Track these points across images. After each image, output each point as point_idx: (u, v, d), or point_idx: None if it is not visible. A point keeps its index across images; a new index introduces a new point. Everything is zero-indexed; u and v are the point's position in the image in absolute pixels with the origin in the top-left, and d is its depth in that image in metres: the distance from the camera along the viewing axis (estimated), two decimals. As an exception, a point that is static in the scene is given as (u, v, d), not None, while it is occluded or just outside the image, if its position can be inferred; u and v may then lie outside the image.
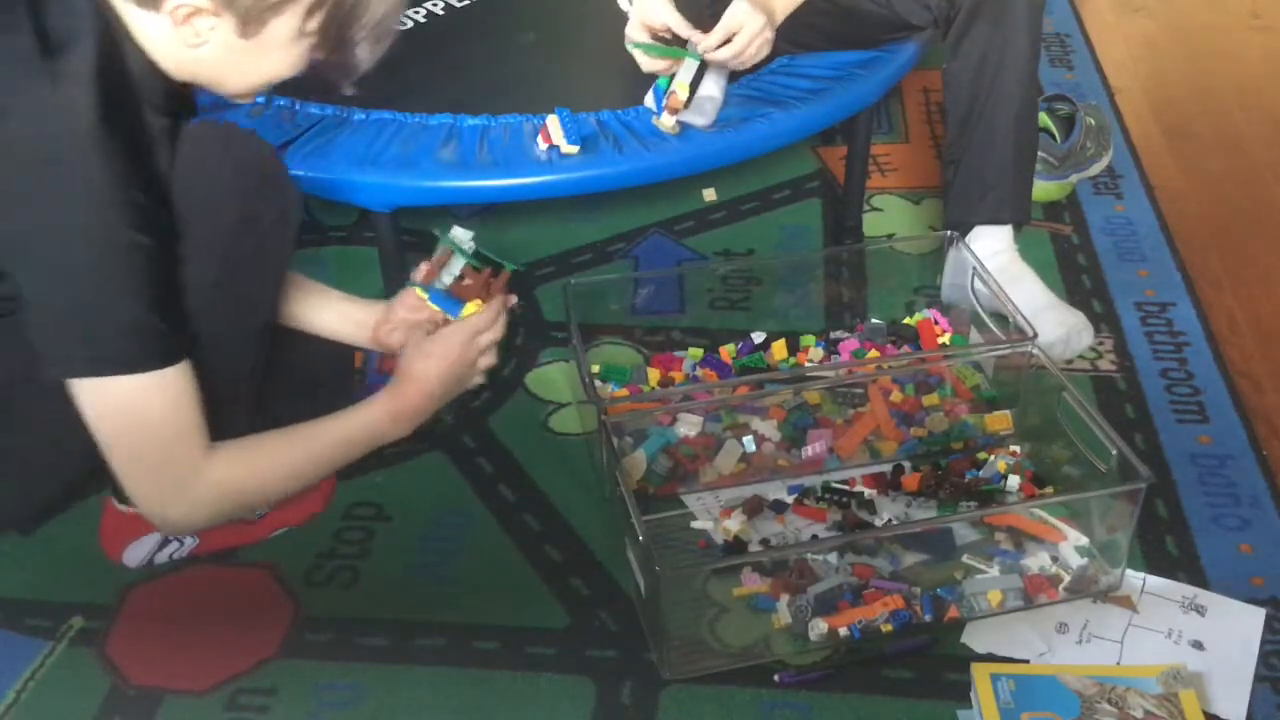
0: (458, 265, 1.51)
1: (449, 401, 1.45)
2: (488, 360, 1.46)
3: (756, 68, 1.83)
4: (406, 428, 1.40)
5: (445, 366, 1.41)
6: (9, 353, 1.23)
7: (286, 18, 1.19)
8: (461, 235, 1.52)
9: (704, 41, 1.72)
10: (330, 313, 1.54)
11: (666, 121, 1.78)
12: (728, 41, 1.72)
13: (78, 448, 1.28)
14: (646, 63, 1.77)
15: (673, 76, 1.77)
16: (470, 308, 1.46)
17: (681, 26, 1.73)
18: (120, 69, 1.18)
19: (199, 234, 1.24)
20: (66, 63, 1.14)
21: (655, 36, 1.76)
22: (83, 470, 1.38)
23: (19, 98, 1.12)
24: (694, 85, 1.77)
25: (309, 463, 1.35)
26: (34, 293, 1.17)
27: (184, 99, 1.26)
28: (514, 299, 1.51)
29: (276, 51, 1.22)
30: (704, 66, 1.77)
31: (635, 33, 1.77)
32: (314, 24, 1.21)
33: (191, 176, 1.25)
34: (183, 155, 1.25)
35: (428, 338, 1.43)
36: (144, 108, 1.21)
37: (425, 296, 1.48)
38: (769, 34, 1.74)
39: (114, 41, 1.18)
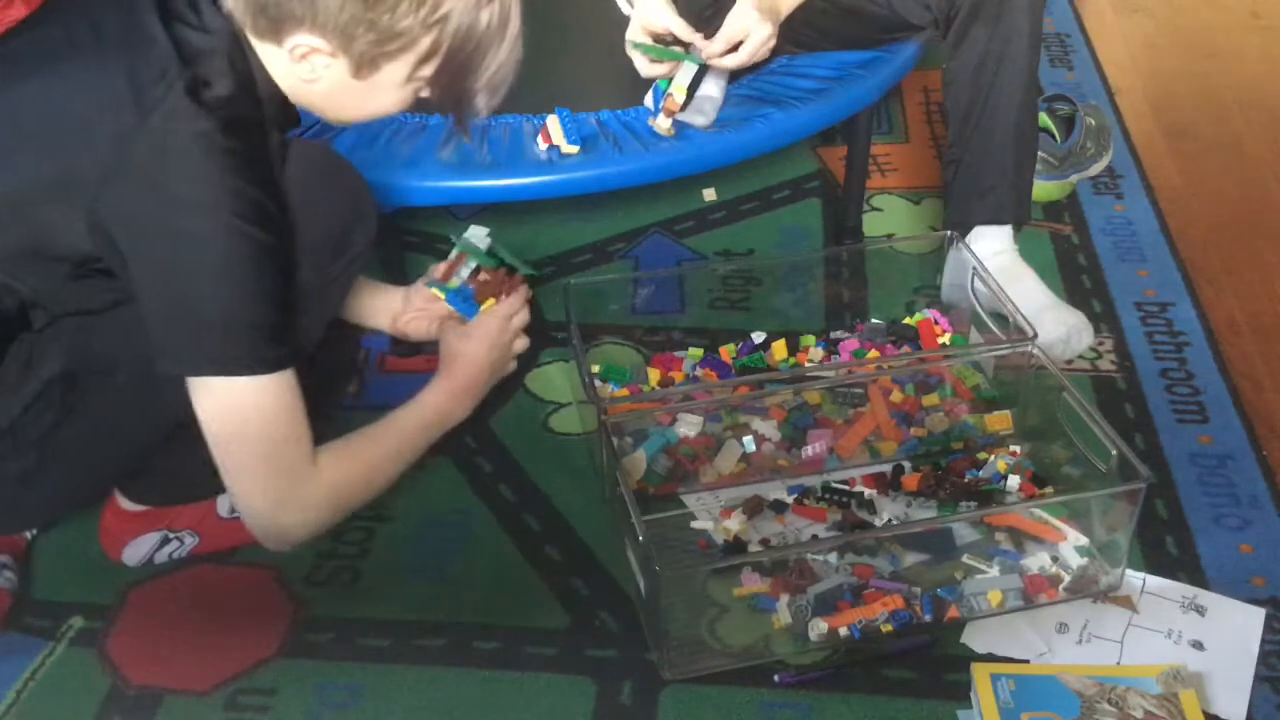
0: (467, 270, 1.53)
1: (494, 384, 1.51)
2: (521, 344, 1.54)
3: (756, 67, 1.83)
4: (466, 405, 1.46)
5: (486, 346, 1.48)
6: (78, 348, 1.25)
7: (400, 64, 1.22)
8: (478, 234, 1.54)
9: (708, 48, 1.72)
10: (363, 302, 1.58)
11: (662, 123, 1.78)
12: (732, 48, 1.72)
13: (135, 444, 1.33)
14: (645, 67, 1.77)
15: (672, 79, 1.77)
16: (487, 307, 1.48)
17: (684, 31, 1.73)
18: (248, 84, 1.21)
19: (298, 254, 1.27)
20: (202, 70, 1.17)
21: (656, 39, 1.76)
22: (131, 467, 1.39)
23: (159, 98, 1.15)
24: (693, 88, 1.77)
25: (398, 454, 1.38)
26: (157, 289, 1.18)
27: (292, 114, 1.29)
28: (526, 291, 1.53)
29: (387, 92, 1.26)
30: (703, 70, 1.77)
31: (636, 35, 1.77)
32: (426, 70, 1.24)
33: (296, 199, 1.27)
34: (288, 177, 1.27)
35: (464, 324, 1.51)
36: (265, 121, 1.24)
37: (441, 296, 1.53)
38: (773, 41, 1.74)
39: (243, 57, 1.21)
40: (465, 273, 1.54)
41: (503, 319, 1.50)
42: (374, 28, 1.18)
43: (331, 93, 1.24)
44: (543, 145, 1.77)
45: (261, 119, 1.23)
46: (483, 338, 1.48)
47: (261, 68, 1.22)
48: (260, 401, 1.22)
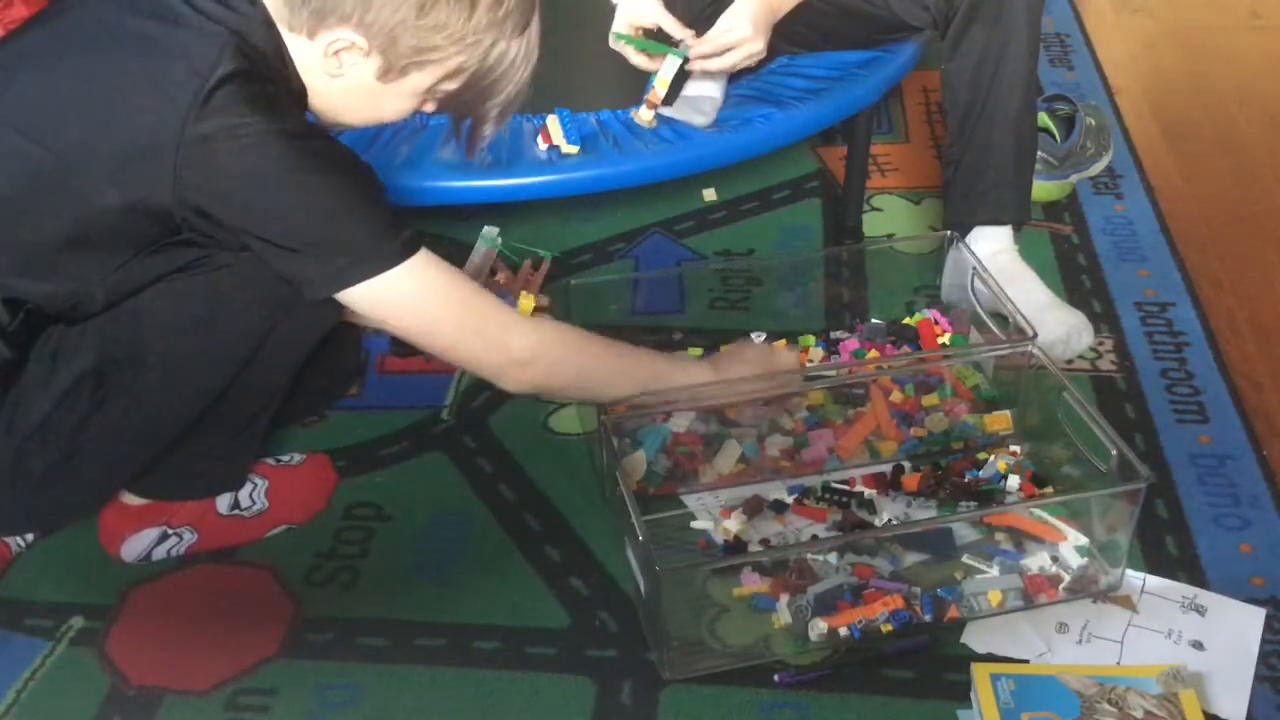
0: (490, 258, 1.54)
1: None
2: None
3: (756, 67, 1.83)
4: (705, 378, 1.49)
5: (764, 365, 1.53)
6: (108, 341, 1.25)
7: (425, 75, 1.26)
8: (490, 233, 1.55)
9: (696, 48, 1.72)
10: None
11: (644, 115, 1.79)
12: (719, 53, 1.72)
13: (156, 440, 1.33)
14: (635, 58, 1.77)
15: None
16: (524, 301, 1.49)
17: (673, 27, 1.73)
18: (284, 61, 1.24)
19: None
20: (245, 41, 1.20)
21: (645, 34, 1.76)
22: (147, 465, 1.39)
23: (214, 62, 1.17)
24: (678, 82, 1.77)
25: (620, 353, 1.43)
26: (267, 232, 1.20)
27: (306, 106, 1.31)
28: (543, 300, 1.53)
29: (400, 100, 1.29)
30: (688, 63, 1.76)
31: (620, 28, 1.77)
32: (448, 86, 1.28)
33: None
34: None
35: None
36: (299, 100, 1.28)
37: None
38: (762, 52, 1.74)
39: (277, 40, 1.23)
40: (487, 262, 1.55)
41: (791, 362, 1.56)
42: (417, 35, 1.21)
43: (349, 91, 1.27)
44: (543, 145, 1.77)
45: (296, 99, 1.26)
46: (772, 361, 1.54)
47: (290, 57, 1.24)
48: (419, 284, 1.26)
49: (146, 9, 1.22)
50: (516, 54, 1.29)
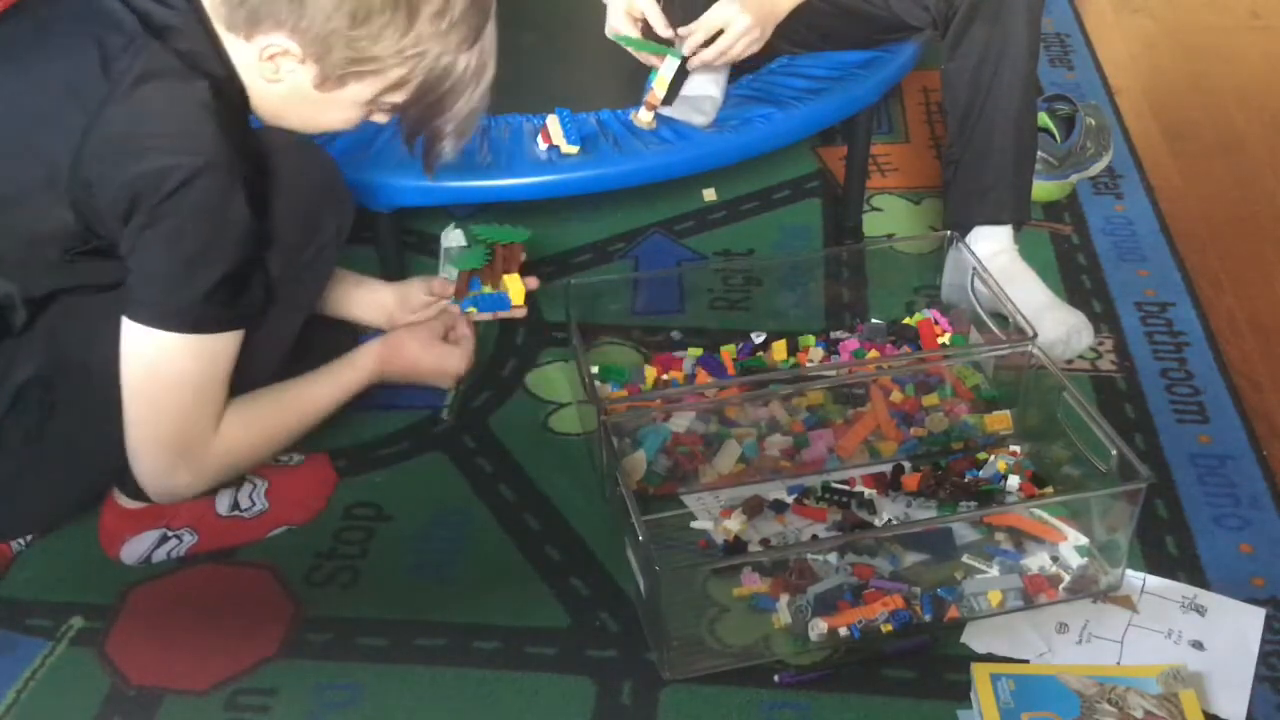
0: (452, 270, 1.53)
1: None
2: (459, 365, 1.52)
3: (755, 67, 1.83)
4: (379, 384, 1.47)
5: (432, 360, 1.48)
6: (51, 352, 1.25)
7: (365, 86, 1.23)
8: (456, 237, 1.54)
9: (688, 41, 1.72)
10: (353, 303, 1.56)
11: (643, 117, 1.78)
12: (711, 40, 1.72)
13: (117, 442, 1.30)
14: (634, 52, 1.77)
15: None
16: (514, 286, 1.49)
17: (660, 25, 1.73)
18: (216, 59, 1.21)
19: (267, 235, 1.27)
20: (170, 40, 1.17)
21: (643, 32, 1.76)
22: (118, 466, 1.36)
23: (128, 64, 1.15)
24: (677, 82, 1.77)
25: (303, 424, 1.38)
26: (143, 245, 1.18)
27: (248, 105, 1.28)
28: (534, 282, 1.53)
29: (342, 110, 1.26)
30: (687, 62, 1.76)
31: (619, 24, 1.76)
32: (393, 98, 1.25)
33: (269, 183, 1.27)
34: (263, 162, 1.27)
35: (438, 338, 1.50)
36: (233, 93, 1.24)
37: (474, 310, 1.52)
38: (756, 32, 1.73)
39: (210, 38, 1.21)
40: (453, 273, 1.54)
41: (468, 353, 1.50)
42: (352, 45, 1.18)
43: (289, 98, 1.24)
44: (543, 145, 1.77)
45: (231, 96, 1.22)
46: (440, 357, 1.48)
47: (227, 54, 1.22)
48: (180, 362, 1.21)
49: (88, 10, 1.19)
50: (465, 68, 1.24)
